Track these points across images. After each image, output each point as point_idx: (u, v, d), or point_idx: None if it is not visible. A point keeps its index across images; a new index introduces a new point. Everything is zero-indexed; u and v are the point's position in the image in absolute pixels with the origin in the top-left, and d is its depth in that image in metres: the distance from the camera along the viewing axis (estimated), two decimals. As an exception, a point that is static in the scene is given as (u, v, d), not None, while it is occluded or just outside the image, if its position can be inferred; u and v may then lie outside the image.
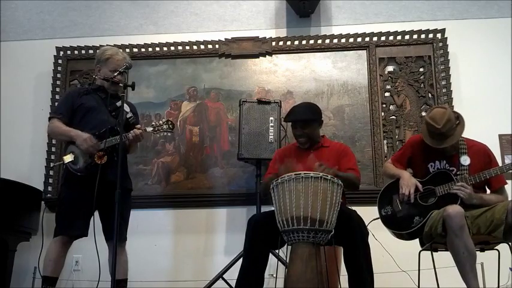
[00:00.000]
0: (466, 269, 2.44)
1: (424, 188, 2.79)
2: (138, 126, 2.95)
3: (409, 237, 2.80)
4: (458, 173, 2.76)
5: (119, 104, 2.91)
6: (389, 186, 2.96)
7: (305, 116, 2.98)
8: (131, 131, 2.88)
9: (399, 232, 2.82)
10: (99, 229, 2.84)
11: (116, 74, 2.88)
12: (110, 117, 2.94)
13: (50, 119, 3.00)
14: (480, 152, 2.80)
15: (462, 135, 2.79)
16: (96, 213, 2.93)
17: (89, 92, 3.01)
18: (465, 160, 2.76)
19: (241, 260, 2.69)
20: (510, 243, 2.53)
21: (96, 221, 2.87)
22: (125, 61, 2.95)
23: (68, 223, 2.80)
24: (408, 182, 2.80)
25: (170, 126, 3.03)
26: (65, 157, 2.88)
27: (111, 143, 2.83)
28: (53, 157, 4.10)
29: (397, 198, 2.85)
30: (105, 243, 2.86)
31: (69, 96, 3.04)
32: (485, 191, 2.79)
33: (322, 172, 2.49)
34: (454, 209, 2.49)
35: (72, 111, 2.95)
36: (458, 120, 2.76)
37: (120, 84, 2.93)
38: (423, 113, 3.95)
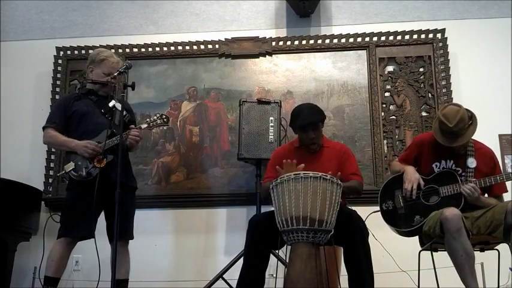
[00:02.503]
0: (465, 271, 2.44)
1: (428, 187, 2.79)
2: (132, 126, 2.94)
3: (408, 234, 2.81)
4: (463, 174, 2.75)
5: (111, 104, 2.91)
6: (393, 180, 2.95)
7: (316, 118, 2.89)
8: (129, 134, 2.87)
9: (399, 229, 2.82)
10: (98, 229, 2.84)
11: (115, 74, 2.87)
12: (104, 119, 2.93)
13: (44, 128, 2.97)
14: (486, 156, 2.80)
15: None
16: (102, 214, 2.94)
17: (79, 97, 3.00)
18: (472, 163, 2.75)
19: (241, 260, 2.69)
20: (510, 244, 2.52)
21: (96, 221, 2.87)
22: (119, 65, 2.95)
23: (71, 224, 2.81)
24: (412, 177, 2.79)
25: (164, 119, 3.03)
26: (66, 166, 2.90)
27: (110, 144, 2.83)
28: (53, 157, 4.10)
29: (399, 194, 2.85)
30: (106, 243, 2.86)
31: (61, 104, 3.02)
32: (485, 195, 2.79)
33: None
34: (451, 212, 2.48)
35: (66, 118, 2.95)
36: (471, 121, 2.73)
37: (112, 85, 2.92)
38: (423, 113, 3.96)
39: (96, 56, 3.02)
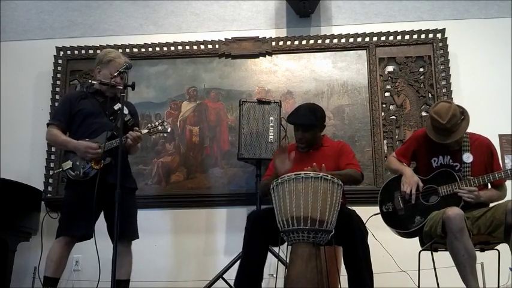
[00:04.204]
0: (466, 271, 2.44)
1: (427, 187, 2.79)
2: (136, 129, 2.94)
3: (409, 235, 2.80)
4: (460, 169, 2.75)
5: (116, 107, 2.92)
6: (391, 181, 2.95)
7: (308, 121, 2.90)
8: (129, 133, 2.86)
9: (400, 231, 2.82)
10: (99, 229, 2.83)
11: (115, 74, 2.85)
12: (108, 121, 2.93)
13: (48, 125, 2.97)
14: (483, 148, 2.80)
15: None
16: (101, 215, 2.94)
17: (86, 96, 2.99)
18: (468, 158, 2.75)
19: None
20: (510, 243, 2.52)
21: (96, 221, 2.87)
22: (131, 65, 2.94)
23: (70, 224, 2.81)
24: (410, 180, 2.78)
25: (166, 127, 3.01)
26: (63, 164, 2.90)
27: (110, 146, 2.83)
28: (53, 157, 4.10)
29: (398, 195, 2.84)
30: (106, 243, 2.85)
31: (67, 101, 3.01)
32: (487, 186, 2.78)
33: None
34: (454, 211, 2.48)
35: (70, 117, 2.94)
36: (463, 116, 2.74)
37: (119, 87, 2.89)
38: (423, 113, 3.96)
39: (104, 56, 3.01)
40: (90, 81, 3.07)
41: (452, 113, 2.68)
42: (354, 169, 2.85)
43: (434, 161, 2.84)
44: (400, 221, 2.82)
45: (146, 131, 2.99)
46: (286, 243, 2.57)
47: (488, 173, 2.72)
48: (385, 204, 2.91)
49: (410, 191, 2.76)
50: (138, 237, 2.99)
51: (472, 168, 2.74)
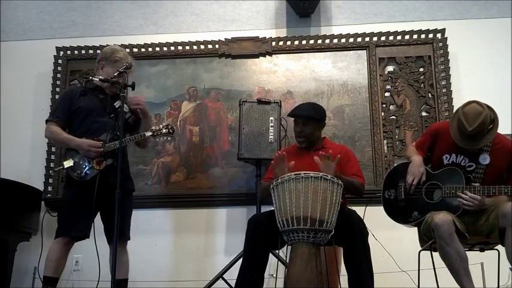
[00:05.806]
0: (461, 274, 2.44)
1: (431, 183, 2.73)
2: (137, 96, 2.98)
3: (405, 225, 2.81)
4: (475, 169, 2.65)
5: (117, 104, 2.89)
6: (400, 166, 2.89)
7: (307, 113, 2.98)
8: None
9: (396, 221, 2.81)
10: (99, 229, 2.83)
11: (115, 74, 2.82)
12: (109, 119, 2.90)
13: (46, 121, 2.94)
14: (504, 152, 2.65)
15: None
16: (98, 215, 2.93)
17: (86, 92, 2.96)
18: (484, 159, 2.62)
19: (241, 260, 2.70)
20: (505, 246, 2.48)
21: (95, 221, 2.86)
22: (133, 68, 2.93)
23: (69, 224, 2.80)
24: (415, 171, 2.73)
25: (170, 130, 3.00)
26: (64, 162, 2.86)
27: (111, 148, 2.82)
28: (53, 157, 4.10)
29: (402, 185, 2.80)
30: (105, 243, 2.86)
31: (67, 97, 2.97)
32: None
33: (327, 163, 2.52)
34: (441, 218, 2.46)
35: (70, 113, 2.91)
36: (492, 124, 2.57)
37: (118, 86, 2.87)
38: (423, 113, 3.96)
39: (111, 54, 2.95)
40: (90, 77, 3.03)
41: (482, 120, 2.51)
42: (359, 181, 2.85)
43: (446, 157, 2.73)
44: (398, 212, 2.79)
45: (150, 133, 2.97)
46: (286, 244, 2.58)
47: (501, 184, 2.57)
48: (388, 190, 2.86)
49: (412, 182, 2.71)
50: (129, 239, 2.98)
51: (486, 171, 2.62)
